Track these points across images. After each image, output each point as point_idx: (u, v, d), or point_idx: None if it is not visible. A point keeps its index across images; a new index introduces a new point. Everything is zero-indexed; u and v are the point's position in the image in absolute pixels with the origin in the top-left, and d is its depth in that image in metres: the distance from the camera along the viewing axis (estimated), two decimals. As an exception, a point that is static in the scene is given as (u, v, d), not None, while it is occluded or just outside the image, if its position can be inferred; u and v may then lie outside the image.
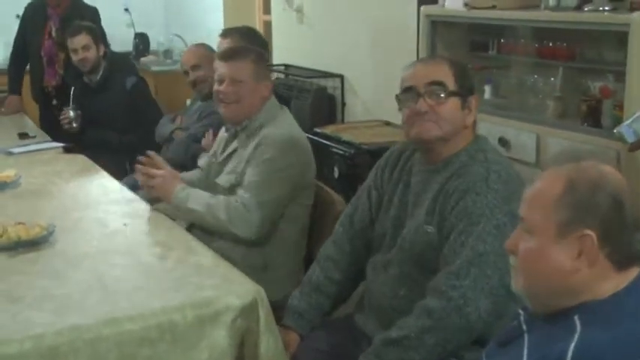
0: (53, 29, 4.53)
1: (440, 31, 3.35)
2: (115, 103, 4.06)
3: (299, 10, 4.93)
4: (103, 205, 2.63)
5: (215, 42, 5.83)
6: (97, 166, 3.19)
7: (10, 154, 3.44)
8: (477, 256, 1.70)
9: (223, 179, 2.50)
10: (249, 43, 3.07)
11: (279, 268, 2.45)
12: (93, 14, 4.56)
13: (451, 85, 1.88)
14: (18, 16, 6.38)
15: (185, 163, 3.34)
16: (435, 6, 3.42)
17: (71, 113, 4.07)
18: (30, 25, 4.63)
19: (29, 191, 2.79)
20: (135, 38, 6.64)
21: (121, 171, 3.67)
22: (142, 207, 2.61)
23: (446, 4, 3.27)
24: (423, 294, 1.77)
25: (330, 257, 2.11)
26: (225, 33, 3.12)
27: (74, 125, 4.07)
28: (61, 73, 4.51)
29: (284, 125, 2.49)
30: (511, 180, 1.78)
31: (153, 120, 3.96)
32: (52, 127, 4.23)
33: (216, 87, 2.54)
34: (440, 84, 1.88)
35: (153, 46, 6.81)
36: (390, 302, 1.91)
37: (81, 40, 4.06)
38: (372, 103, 4.42)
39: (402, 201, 1.95)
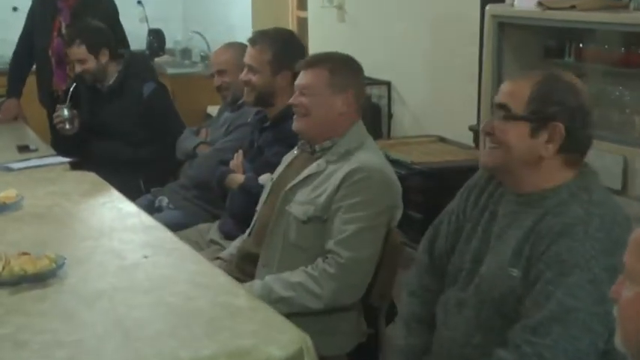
0: (63, 25, 4.55)
1: (508, 34, 3.32)
2: (130, 112, 4.07)
3: (340, 7, 4.93)
4: (119, 232, 2.63)
5: (241, 41, 5.87)
6: (110, 186, 3.19)
7: (9, 170, 3.45)
8: (564, 312, 1.67)
9: (298, 210, 2.48)
10: (283, 51, 3.08)
11: (342, 313, 2.43)
12: (108, 9, 4.58)
13: (520, 107, 1.86)
14: (15, 8, 6.58)
15: (210, 181, 3.35)
16: (503, 5, 3.40)
17: (65, 112, 4.08)
18: (38, 20, 4.66)
19: (33, 215, 2.80)
20: (149, 35, 6.69)
21: (134, 189, 3.69)
22: (164, 235, 2.60)
23: (515, 3, 3.24)
24: (500, 345, 1.74)
25: (427, 287, 2.11)
26: (255, 39, 3.12)
27: (67, 127, 4.09)
28: (72, 75, 4.52)
29: (376, 156, 2.50)
30: (617, 228, 1.74)
31: (172, 132, 3.98)
32: (63, 135, 4.24)
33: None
34: (504, 105, 1.88)
35: (169, 44, 6.85)
36: (462, 350, 1.88)
37: (74, 52, 4.08)
38: (424, 116, 4.39)
39: (486, 232, 1.93)
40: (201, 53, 6.63)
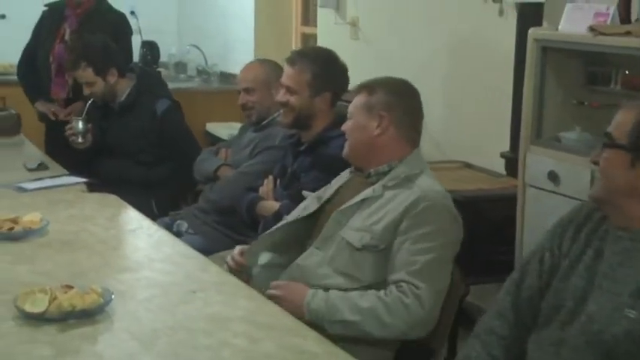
0: (67, 32, 4.46)
1: (550, 58, 3.26)
2: (142, 131, 3.96)
3: (354, 24, 4.86)
4: (157, 263, 2.52)
5: (241, 55, 5.80)
6: (135, 210, 3.10)
7: (23, 190, 3.34)
8: None
9: (353, 236, 2.37)
10: (323, 71, 3.00)
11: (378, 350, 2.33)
12: (116, 20, 4.48)
13: (622, 137, 1.85)
14: (3, 16, 6.43)
15: (234, 206, 3.24)
16: (547, 29, 3.34)
17: (80, 125, 3.99)
18: (44, 30, 4.57)
19: (60, 242, 2.69)
20: (142, 47, 6.56)
21: (146, 212, 3.53)
22: (204, 266, 2.50)
23: (561, 26, 3.17)
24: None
25: (492, 330, 2.03)
26: (294, 59, 3.03)
27: (80, 140, 3.99)
28: (71, 84, 4.42)
29: (437, 184, 2.42)
30: None
31: (187, 152, 3.89)
32: (60, 152, 4.14)
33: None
34: (609, 134, 1.88)
35: (163, 57, 6.73)
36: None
37: (81, 75, 3.99)
38: (446, 140, 4.32)
39: (591, 270, 1.87)
40: (198, 67, 6.52)
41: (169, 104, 4.02)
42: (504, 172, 3.75)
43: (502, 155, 3.73)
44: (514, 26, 3.65)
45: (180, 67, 6.74)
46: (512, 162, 3.59)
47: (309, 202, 2.61)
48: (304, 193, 2.75)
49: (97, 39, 4.08)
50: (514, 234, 3.31)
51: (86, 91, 3.99)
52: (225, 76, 6.13)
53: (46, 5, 4.64)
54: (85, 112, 4.03)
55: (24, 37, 5.37)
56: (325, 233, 2.45)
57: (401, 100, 2.51)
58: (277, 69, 3.52)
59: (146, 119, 3.97)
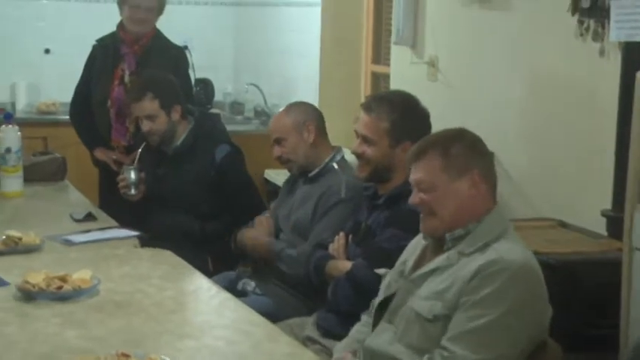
0: (126, 73, 4.54)
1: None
2: (199, 179, 3.99)
3: (432, 64, 4.84)
4: (220, 330, 2.52)
5: (304, 95, 5.82)
6: (193, 269, 3.12)
7: (70, 243, 3.38)
8: None
9: (422, 306, 2.35)
10: (403, 119, 3.00)
11: None
12: (177, 58, 4.55)
13: None
14: (47, 51, 6.59)
15: (305, 275, 3.25)
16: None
17: (132, 174, 4.04)
18: (98, 68, 4.64)
19: (113, 303, 2.71)
20: (195, 85, 6.62)
21: (200, 270, 3.57)
22: (274, 335, 2.49)
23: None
24: None
25: None
26: (370, 106, 3.03)
27: (133, 192, 4.03)
28: (132, 130, 4.49)
29: (518, 247, 2.38)
30: None
31: (247, 204, 3.93)
32: (116, 202, 4.20)
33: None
34: None
35: (218, 96, 6.81)
36: None
37: (144, 107, 4.02)
38: (536, 194, 4.25)
39: None
40: (257, 108, 6.57)
41: (229, 150, 4.05)
42: (605, 233, 3.66)
43: (603, 214, 3.65)
44: (618, 68, 3.59)
45: (237, 107, 6.80)
46: (615, 221, 3.51)
47: (391, 279, 2.58)
48: (378, 271, 2.72)
49: (162, 72, 4.18)
50: (617, 304, 3.22)
51: (145, 127, 4.01)
52: (286, 119, 6.16)
53: (97, 40, 4.70)
54: (137, 160, 4.08)
55: (69, 73, 5.49)
56: (395, 305, 2.44)
57: (481, 150, 2.48)
58: (306, 109, 3.61)
59: (204, 167, 4.00)
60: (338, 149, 3.62)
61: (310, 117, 3.61)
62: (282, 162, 3.58)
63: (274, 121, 3.67)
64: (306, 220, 3.49)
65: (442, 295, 2.31)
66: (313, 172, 3.54)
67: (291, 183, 3.73)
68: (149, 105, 3.99)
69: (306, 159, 3.54)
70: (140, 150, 4.08)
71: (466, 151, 2.43)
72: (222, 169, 3.99)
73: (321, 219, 3.43)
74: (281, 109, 3.73)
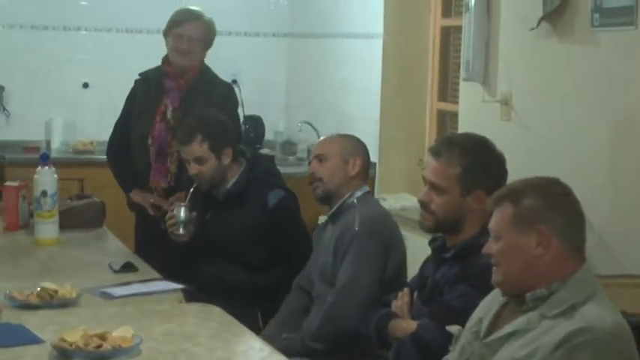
0: (169, 109, 4.58)
1: None
2: (249, 227, 4.01)
3: (506, 102, 4.83)
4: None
5: (363, 135, 5.83)
6: (243, 327, 3.12)
7: (109, 297, 3.40)
8: None
9: None
10: (476, 164, 3.00)
11: None
12: (224, 95, 4.59)
13: None
14: (85, 85, 6.70)
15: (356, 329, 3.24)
16: None
17: (182, 212, 4.07)
18: (139, 103, 4.71)
19: (156, 364, 2.71)
20: (244, 123, 6.68)
21: (249, 325, 3.57)
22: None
23: None
24: None
25: None
26: (439, 150, 3.03)
27: (181, 232, 4.07)
28: (173, 171, 4.52)
29: (609, 312, 2.36)
30: None
31: (301, 254, 3.91)
32: (151, 249, 4.24)
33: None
34: None
35: (268, 135, 6.85)
36: None
37: (194, 150, 4.07)
38: (621, 248, 4.20)
39: None
40: (311, 148, 6.57)
41: (283, 195, 4.08)
42: None
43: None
44: None
45: (289, 147, 6.82)
46: None
47: (465, 341, 2.56)
48: (449, 329, 2.70)
49: (214, 112, 4.22)
50: None
51: (193, 170, 4.06)
52: (343, 160, 6.16)
53: (140, 74, 4.77)
54: (188, 198, 4.11)
55: (108, 109, 5.60)
56: None
57: (560, 205, 2.46)
58: (358, 144, 3.74)
59: (255, 213, 4.02)
60: (360, 186, 3.69)
61: (360, 153, 3.74)
62: (313, 180, 3.71)
63: (324, 140, 3.86)
64: (328, 265, 3.58)
65: None
66: (333, 210, 3.66)
67: (320, 230, 3.81)
68: (198, 148, 4.04)
69: (337, 188, 3.65)
70: (193, 188, 4.12)
71: (540, 204, 2.43)
72: (275, 216, 4.01)
73: (341, 262, 3.51)
74: (335, 134, 3.88)
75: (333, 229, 3.63)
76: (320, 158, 3.69)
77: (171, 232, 4.09)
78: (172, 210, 4.11)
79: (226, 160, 4.06)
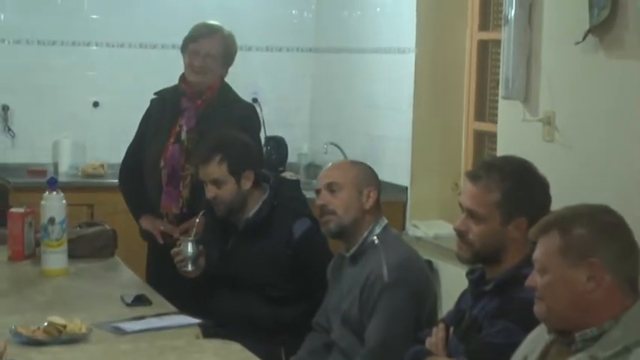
0: (184, 129, 4.61)
1: None
2: (273, 259, 4.02)
3: (548, 121, 4.81)
4: None
5: (394, 156, 5.75)
6: None
7: (121, 332, 3.40)
8: None
9: None
10: (517, 190, 3.01)
11: None
12: (245, 117, 4.60)
13: None
14: (96, 104, 6.74)
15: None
16: None
17: (189, 248, 4.08)
18: (153, 123, 4.75)
19: (172, 408, 2.71)
20: (265, 144, 6.70)
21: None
22: None
23: None
24: None
25: None
26: (478, 174, 3.03)
27: (190, 268, 4.09)
28: (186, 196, 4.55)
29: None
30: None
31: (327, 287, 3.88)
32: (165, 280, 4.26)
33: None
34: None
35: (292, 157, 6.87)
36: None
37: (210, 171, 4.08)
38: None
39: None
40: (338, 172, 6.59)
41: (310, 225, 4.05)
42: None
43: None
44: None
45: (314, 170, 6.80)
46: None
47: None
48: None
49: (236, 132, 4.24)
50: None
51: (210, 193, 4.06)
52: (372, 184, 6.16)
53: (155, 93, 4.80)
54: (194, 232, 4.13)
55: (120, 130, 5.63)
56: None
57: (612, 235, 2.45)
58: (371, 172, 3.73)
59: (280, 244, 4.02)
60: (377, 219, 3.66)
61: (374, 182, 3.73)
62: (324, 213, 3.65)
63: (334, 167, 3.82)
64: (354, 311, 3.56)
65: None
66: (353, 250, 3.62)
67: (337, 268, 3.78)
68: (216, 169, 4.04)
69: (352, 224, 3.62)
70: (199, 217, 4.15)
71: (592, 234, 2.43)
72: (301, 248, 4.01)
73: (371, 316, 3.48)
74: (341, 161, 3.83)
75: (354, 273, 3.60)
76: (332, 188, 3.65)
77: (179, 269, 4.11)
78: (179, 245, 4.12)
79: (247, 184, 4.07)
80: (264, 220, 4.08)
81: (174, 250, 4.13)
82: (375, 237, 3.60)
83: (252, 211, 4.10)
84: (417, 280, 3.55)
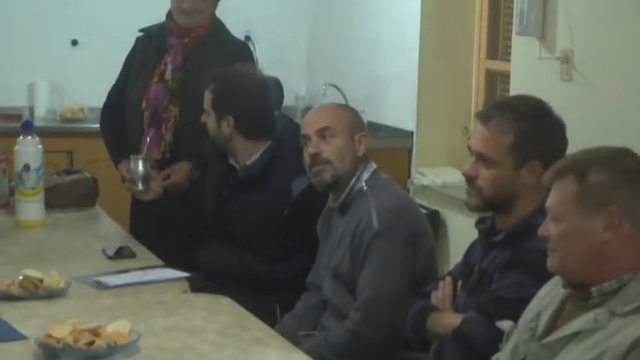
0: (169, 68, 4.59)
1: None
2: (269, 215, 4.02)
3: (566, 59, 4.81)
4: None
5: (398, 99, 5.74)
6: (258, 321, 3.14)
7: (103, 286, 3.42)
8: None
9: None
10: (531, 131, 2.99)
11: None
12: (237, 56, 4.58)
13: None
14: (74, 42, 6.72)
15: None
16: None
17: (139, 166, 4.24)
18: (138, 63, 4.73)
19: (157, 363, 2.73)
20: (260, 86, 6.71)
21: (266, 320, 3.59)
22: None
23: None
24: None
25: None
26: (490, 114, 3.01)
27: (140, 187, 4.24)
28: (169, 140, 4.55)
29: None
30: None
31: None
32: (151, 232, 4.27)
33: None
34: None
35: (288, 100, 6.85)
36: None
37: (205, 96, 4.15)
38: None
39: None
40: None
41: (309, 184, 3.96)
42: None
43: None
44: None
45: (313, 113, 6.83)
46: None
47: (519, 339, 2.56)
48: (500, 325, 2.72)
49: (247, 74, 4.26)
50: None
51: (202, 119, 4.15)
52: (375, 128, 6.16)
53: (141, 30, 4.77)
54: (145, 149, 4.28)
55: (101, 71, 5.59)
56: None
57: (632, 181, 2.44)
58: (360, 117, 3.74)
59: (276, 200, 4.02)
60: (365, 164, 3.64)
61: (364, 128, 3.73)
62: (316, 162, 3.60)
63: (323, 111, 3.76)
64: (345, 265, 3.55)
65: None
66: (340, 200, 3.61)
67: (326, 222, 3.78)
68: (207, 96, 4.12)
69: (346, 173, 3.58)
70: (149, 137, 4.30)
71: (610, 179, 2.42)
72: (298, 208, 3.99)
73: (362, 267, 3.47)
74: (328, 104, 3.87)
75: (343, 223, 3.59)
76: (322, 134, 3.60)
77: (128, 189, 4.23)
78: (130, 163, 4.26)
79: (225, 128, 4.07)
80: (261, 171, 4.07)
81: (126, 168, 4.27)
82: (363, 183, 3.58)
83: (250, 159, 4.09)
84: (411, 226, 3.52)
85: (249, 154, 4.09)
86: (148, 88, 4.60)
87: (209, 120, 4.11)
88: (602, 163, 2.44)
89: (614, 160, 2.46)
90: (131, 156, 4.31)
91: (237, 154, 4.11)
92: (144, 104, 4.59)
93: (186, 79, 4.48)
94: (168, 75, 4.57)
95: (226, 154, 4.16)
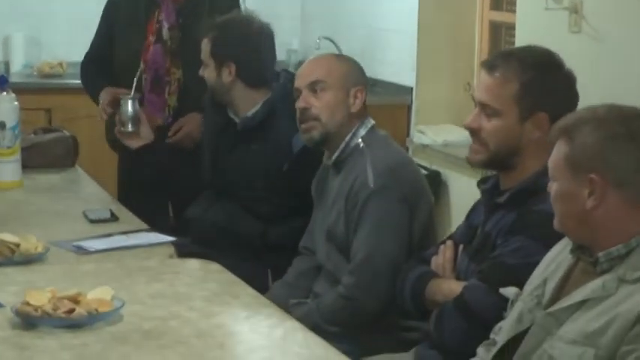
0: (165, 26, 4.57)
1: None
2: (265, 169, 4.02)
3: (575, 10, 4.81)
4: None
5: (396, 52, 5.74)
6: (248, 287, 3.15)
7: (84, 251, 3.42)
8: None
9: (567, 354, 2.35)
10: (537, 82, 2.97)
11: None
12: (228, 8, 4.55)
13: None
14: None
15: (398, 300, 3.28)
16: None
17: (129, 106, 4.25)
18: (123, 18, 4.69)
19: (141, 333, 2.73)
20: (249, 39, 6.70)
21: (259, 286, 3.61)
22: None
23: None
24: None
25: None
26: (494, 63, 2.99)
27: (130, 128, 4.25)
28: (173, 105, 4.54)
29: None
30: None
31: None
32: (139, 196, 4.30)
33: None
34: None
35: (280, 54, 6.79)
36: None
37: (202, 47, 4.16)
38: None
39: None
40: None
41: None
42: None
43: None
44: None
45: (306, 69, 6.83)
46: None
47: (523, 307, 2.56)
48: (503, 291, 2.73)
49: (247, 20, 4.29)
50: None
51: (201, 71, 4.17)
52: (372, 84, 6.13)
53: None
54: (134, 88, 4.27)
55: (81, 24, 5.56)
56: (526, 346, 2.45)
57: (622, 145, 2.40)
58: (361, 70, 3.68)
59: (275, 155, 4.02)
60: (362, 120, 3.63)
61: (362, 82, 3.67)
62: (305, 118, 3.59)
63: (317, 62, 3.75)
64: (339, 226, 3.55)
65: (595, 340, 2.30)
66: (335, 157, 3.59)
67: (321, 181, 3.77)
68: (205, 46, 4.13)
69: (337, 130, 3.57)
70: (137, 77, 4.29)
71: (596, 144, 2.39)
72: (298, 165, 3.99)
73: (357, 228, 3.47)
74: (323, 54, 3.85)
75: (338, 182, 3.59)
76: (315, 88, 3.58)
77: (116, 132, 4.23)
78: (120, 105, 4.27)
79: (227, 77, 4.08)
80: (261, 124, 4.08)
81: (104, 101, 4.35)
82: (359, 140, 3.57)
83: (251, 110, 4.10)
84: (408, 185, 3.51)
85: (249, 104, 4.10)
86: (145, 49, 4.58)
87: (207, 71, 4.12)
88: (593, 124, 2.40)
89: (608, 122, 2.41)
90: (120, 96, 4.30)
91: (237, 105, 4.12)
92: (142, 66, 4.56)
93: (184, 37, 4.50)
94: (165, 34, 4.56)
95: (225, 108, 4.17)
